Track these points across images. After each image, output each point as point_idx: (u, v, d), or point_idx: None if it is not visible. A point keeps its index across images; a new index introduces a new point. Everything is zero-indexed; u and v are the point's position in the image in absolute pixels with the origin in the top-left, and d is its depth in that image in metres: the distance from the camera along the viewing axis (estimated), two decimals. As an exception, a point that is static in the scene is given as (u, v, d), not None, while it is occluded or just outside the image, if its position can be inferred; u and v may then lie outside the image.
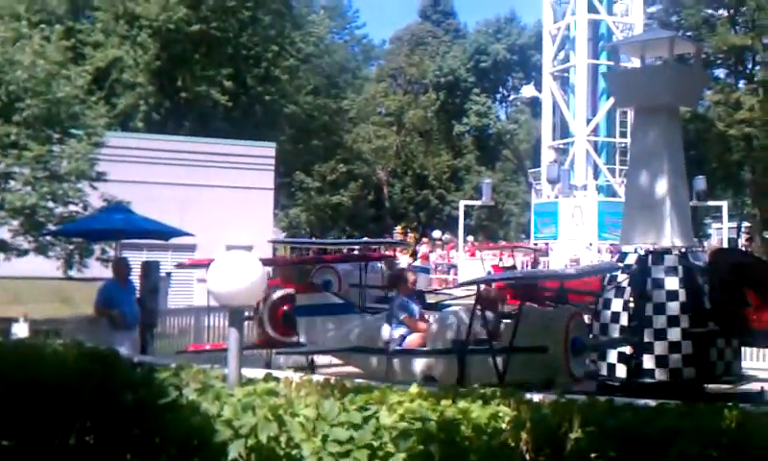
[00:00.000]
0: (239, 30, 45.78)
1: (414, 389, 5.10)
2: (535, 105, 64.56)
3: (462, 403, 4.80)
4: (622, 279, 14.40)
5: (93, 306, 14.64)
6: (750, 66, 52.74)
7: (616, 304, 14.31)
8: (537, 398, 5.50)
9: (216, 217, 28.02)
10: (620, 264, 14.83)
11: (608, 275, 15.12)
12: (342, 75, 61.03)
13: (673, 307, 13.82)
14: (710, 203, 43.22)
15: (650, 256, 14.24)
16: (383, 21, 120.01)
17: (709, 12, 52.31)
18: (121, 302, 14.29)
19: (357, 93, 63.68)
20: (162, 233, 19.76)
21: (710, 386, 13.95)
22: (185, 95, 44.61)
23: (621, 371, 13.95)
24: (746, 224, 54.82)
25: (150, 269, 17.11)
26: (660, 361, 13.67)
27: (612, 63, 22.12)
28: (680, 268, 14.05)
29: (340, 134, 58.43)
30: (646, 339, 13.79)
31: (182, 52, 44.77)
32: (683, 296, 13.86)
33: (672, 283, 13.93)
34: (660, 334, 13.77)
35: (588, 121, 43.16)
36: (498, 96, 74.24)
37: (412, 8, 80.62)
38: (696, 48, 17.41)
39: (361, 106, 63.14)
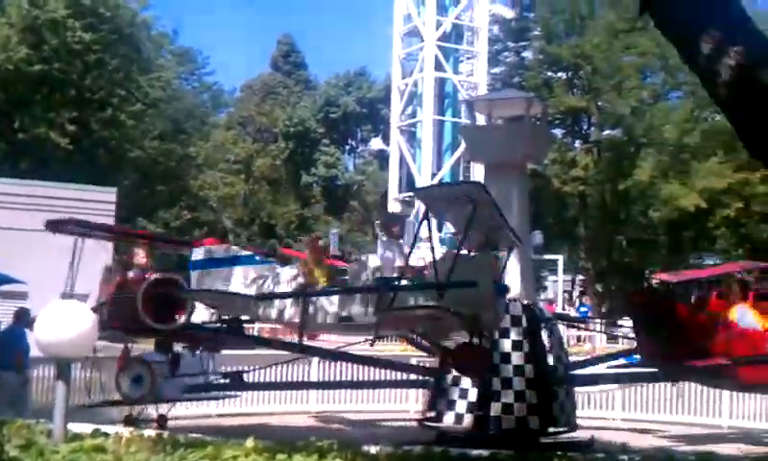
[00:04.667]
0: (84, 72, 44.54)
1: (249, 443, 4.99)
2: (382, 157, 65.58)
3: (297, 457, 4.74)
4: None
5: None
6: (585, 127, 55.46)
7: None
8: (374, 450, 5.48)
9: (52, 264, 26.82)
10: None
11: None
12: (190, 121, 60.13)
13: (516, 357, 14.14)
14: (547, 256, 44.86)
15: None
16: (234, 69, 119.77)
17: (549, 74, 54.82)
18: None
19: (205, 140, 62.85)
20: (-9, 280, 18.82)
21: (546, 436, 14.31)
22: (23, 137, 42.94)
23: (468, 420, 14.09)
24: (580, 277, 57.17)
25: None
26: (507, 409, 13.93)
27: (467, 120, 22.69)
28: (524, 318, 14.42)
29: (186, 181, 57.41)
30: (494, 387, 14.02)
31: (22, 93, 43.20)
32: (526, 346, 14.19)
33: (516, 333, 14.25)
34: (507, 383, 14.04)
35: (434, 175, 44.16)
36: (347, 148, 75.09)
37: (264, 57, 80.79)
38: (544, 108, 18.20)
39: (209, 152, 62.32)
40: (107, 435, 5.22)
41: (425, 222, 12.44)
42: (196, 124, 61.69)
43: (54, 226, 14.38)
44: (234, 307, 13.45)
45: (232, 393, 17.59)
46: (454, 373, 14.18)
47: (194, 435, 5.82)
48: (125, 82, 46.64)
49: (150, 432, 5.33)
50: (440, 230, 44.33)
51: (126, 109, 46.46)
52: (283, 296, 12.78)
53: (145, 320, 13.60)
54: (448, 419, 14.44)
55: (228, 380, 16.21)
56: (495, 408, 14.01)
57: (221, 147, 64.78)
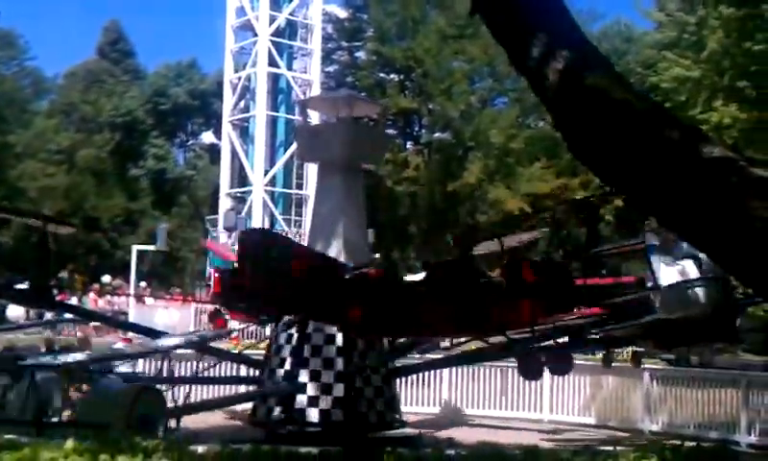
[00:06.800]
0: None
1: (70, 444, 4.74)
2: (214, 151, 64.53)
3: (121, 458, 4.54)
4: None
5: None
6: (417, 128, 56.56)
7: (286, 350, 14.44)
8: (201, 449, 5.34)
9: None
10: None
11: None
12: (9, 107, 57.09)
13: (330, 351, 14.18)
14: (378, 255, 45.41)
15: None
16: (57, 54, 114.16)
17: (382, 75, 55.56)
18: None
19: (25, 128, 59.77)
20: None
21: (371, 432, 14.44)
22: None
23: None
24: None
25: None
26: (313, 402, 13.93)
27: (300, 118, 22.61)
28: None
29: (3, 170, 54.48)
30: (301, 380, 13.98)
31: None
32: (339, 340, 14.25)
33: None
34: (315, 376, 14.03)
35: (266, 171, 43.87)
36: (177, 141, 73.42)
37: (89, 44, 77.72)
38: (382, 109, 18.36)
39: (29, 141, 59.31)
40: None
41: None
42: (15, 111, 58.67)
43: None
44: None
45: None
46: (287, 367, 14.16)
47: (9, 436, 5.48)
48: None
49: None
50: (272, 227, 44.07)
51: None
52: None
53: None
54: (278, 415, 14.31)
55: None
56: (325, 403, 14.02)
57: (42, 135, 61.77)
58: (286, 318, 14.41)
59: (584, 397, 19.43)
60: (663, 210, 5.46)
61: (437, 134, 54.79)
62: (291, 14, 45.70)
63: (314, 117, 17.93)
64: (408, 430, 15.03)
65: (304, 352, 14.11)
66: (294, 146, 42.39)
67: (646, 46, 43.89)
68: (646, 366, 18.12)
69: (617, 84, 5.53)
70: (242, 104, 46.72)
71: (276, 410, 14.15)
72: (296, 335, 14.34)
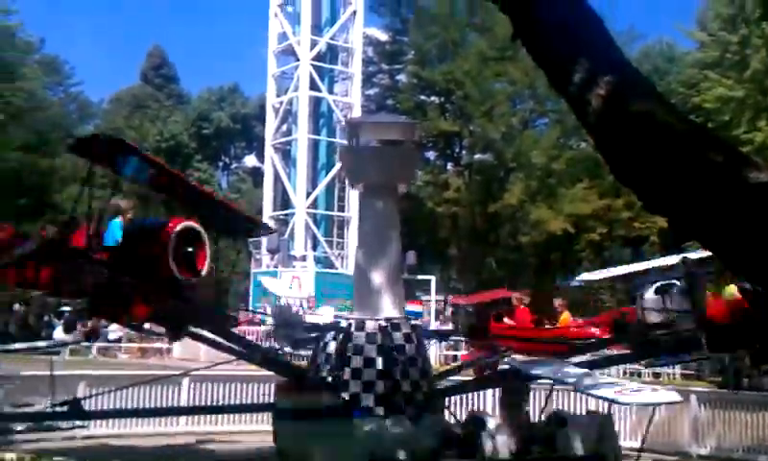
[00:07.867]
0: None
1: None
2: (256, 175, 65.06)
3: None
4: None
5: None
6: (457, 150, 56.52)
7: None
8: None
9: None
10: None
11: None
12: (56, 132, 58.08)
13: (369, 374, 14.19)
14: (420, 277, 45.31)
15: (353, 324, 14.54)
16: (102, 80, 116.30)
17: (422, 97, 55.66)
18: None
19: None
20: None
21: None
22: None
23: None
24: (452, 297, 58.05)
25: None
26: None
27: (345, 142, 22.76)
28: (378, 336, 14.50)
29: (50, 194, 55.39)
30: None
31: None
32: (379, 364, 14.26)
33: (370, 351, 14.30)
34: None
35: (308, 194, 44.13)
36: (220, 164, 74.17)
37: (133, 69, 78.88)
38: (413, 130, 18.40)
39: (75, 165, 60.24)
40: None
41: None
42: (61, 135, 59.65)
43: None
44: None
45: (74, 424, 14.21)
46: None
47: (58, 459, 5.55)
48: (-16, 90, 44.80)
49: (11, 456, 5.05)
50: (314, 249, 44.29)
51: (-15, 119, 44.60)
52: None
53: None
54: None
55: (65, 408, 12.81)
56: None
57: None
58: None
59: (630, 420, 19.18)
60: (707, 235, 5.42)
61: (477, 156, 54.72)
62: (332, 39, 46.09)
63: (362, 139, 18.03)
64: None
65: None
66: (335, 168, 42.72)
67: (688, 66, 43.54)
68: (693, 388, 17.86)
69: (660, 107, 5.50)
70: (284, 127, 47.13)
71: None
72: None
